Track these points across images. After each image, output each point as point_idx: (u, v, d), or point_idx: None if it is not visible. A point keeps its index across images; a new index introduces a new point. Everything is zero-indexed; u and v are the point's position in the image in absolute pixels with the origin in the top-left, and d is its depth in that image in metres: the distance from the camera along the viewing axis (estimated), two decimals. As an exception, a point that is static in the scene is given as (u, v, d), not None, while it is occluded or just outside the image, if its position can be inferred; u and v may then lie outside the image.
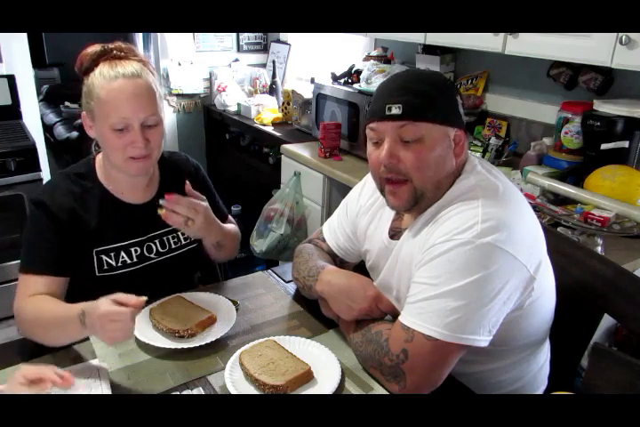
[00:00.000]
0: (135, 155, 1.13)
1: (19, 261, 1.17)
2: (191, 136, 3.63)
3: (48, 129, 3.89)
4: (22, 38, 2.71)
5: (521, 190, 1.58)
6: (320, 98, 2.62)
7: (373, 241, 1.18)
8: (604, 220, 1.48)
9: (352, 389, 0.97)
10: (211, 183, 1.42)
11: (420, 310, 0.92)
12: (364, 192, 1.23)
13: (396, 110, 0.95)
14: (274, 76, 3.35)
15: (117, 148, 1.13)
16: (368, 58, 2.64)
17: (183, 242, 1.33)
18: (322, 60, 3.21)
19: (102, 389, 0.95)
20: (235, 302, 1.21)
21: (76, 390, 0.94)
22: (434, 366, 0.92)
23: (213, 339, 1.07)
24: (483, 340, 0.91)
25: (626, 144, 1.67)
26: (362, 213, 1.21)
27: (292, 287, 1.33)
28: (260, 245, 2.58)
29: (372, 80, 2.39)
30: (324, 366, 1.00)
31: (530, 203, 1.05)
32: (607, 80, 1.82)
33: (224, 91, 3.39)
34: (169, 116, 3.49)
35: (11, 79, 2.66)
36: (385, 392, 0.96)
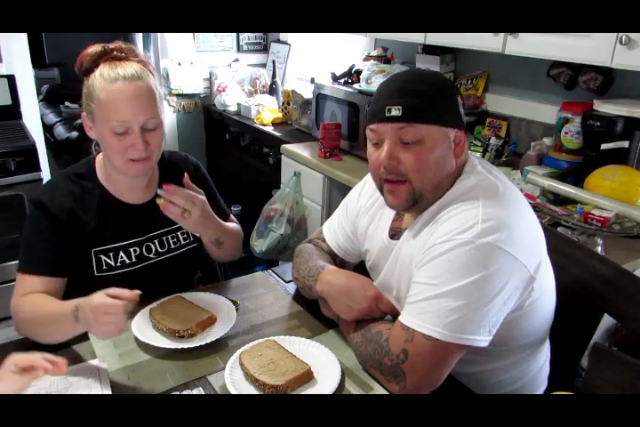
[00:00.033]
0: (135, 157, 1.13)
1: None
2: (191, 136, 3.63)
3: (48, 129, 3.89)
4: (22, 38, 2.71)
5: (521, 190, 1.58)
6: (320, 98, 2.62)
7: (373, 241, 1.18)
8: (604, 220, 1.48)
9: (352, 389, 0.97)
10: (211, 182, 1.42)
11: (420, 310, 0.92)
12: (364, 192, 1.23)
13: (395, 112, 0.95)
14: (274, 76, 3.35)
15: (117, 150, 1.13)
16: (368, 58, 2.64)
17: (182, 242, 1.33)
18: (322, 60, 3.21)
19: (102, 389, 0.95)
20: (235, 302, 1.21)
21: (76, 390, 0.94)
22: (434, 366, 0.92)
23: (213, 339, 1.07)
24: (483, 340, 0.91)
25: (626, 144, 1.67)
26: (362, 213, 1.21)
27: (292, 287, 1.33)
28: (260, 245, 2.58)
29: (372, 80, 2.39)
30: (324, 366, 1.00)
31: (530, 203, 1.05)
32: (607, 80, 1.82)
33: (224, 91, 3.39)
34: (169, 116, 3.49)
35: (11, 79, 2.66)
36: (385, 392, 0.96)
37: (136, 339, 1.08)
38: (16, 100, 2.71)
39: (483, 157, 2.19)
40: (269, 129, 2.96)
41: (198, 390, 0.96)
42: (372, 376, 1.00)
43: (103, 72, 1.10)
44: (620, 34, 1.42)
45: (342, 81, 2.61)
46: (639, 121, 1.64)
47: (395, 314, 1.03)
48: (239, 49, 3.62)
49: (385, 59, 2.59)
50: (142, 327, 1.10)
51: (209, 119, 3.61)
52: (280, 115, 3.09)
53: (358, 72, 2.55)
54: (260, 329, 1.15)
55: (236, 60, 3.60)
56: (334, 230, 1.29)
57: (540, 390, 1.16)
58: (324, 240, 1.30)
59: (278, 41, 3.56)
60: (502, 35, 1.74)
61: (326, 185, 2.38)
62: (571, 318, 1.16)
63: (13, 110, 2.72)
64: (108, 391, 0.94)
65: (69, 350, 1.06)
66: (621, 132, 1.67)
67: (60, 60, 4.76)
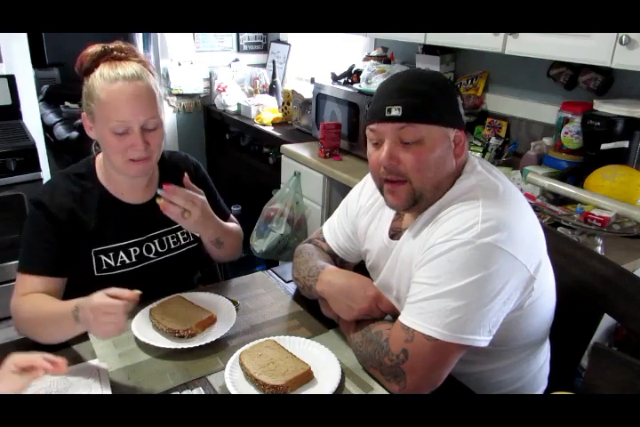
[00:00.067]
0: (135, 157, 1.13)
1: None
2: (191, 136, 3.63)
3: (48, 129, 3.89)
4: (22, 38, 2.71)
5: (521, 190, 1.58)
6: (320, 98, 2.62)
7: (373, 241, 1.18)
8: (604, 220, 1.48)
9: (352, 389, 0.97)
10: (211, 182, 1.42)
11: (420, 310, 0.92)
12: (364, 192, 1.23)
13: (395, 112, 0.95)
14: (274, 76, 3.35)
15: (117, 150, 1.13)
16: (368, 58, 2.64)
17: (182, 242, 1.33)
18: (322, 60, 3.21)
19: (102, 389, 0.95)
20: (235, 302, 1.21)
21: (76, 390, 0.94)
22: (434, 366, 0.92)
23: (213, 339, 1.07)
24: (483, 340, 0.91)
25: (626, 144, 1.67)
26: (362, 213, 1.21)
27: (292, 287, 1.33)
28: (260, 245, 2.58)
29: (372, 80, 2.39)
30: (324, 366, 1.00)
31: (530, 203, 1.05)
32: (607, 80, 1.82)
33: (224, 91, 3.39)
34: (169, 116, 3.49)
35: (11, 79, 2.66)
36: (385, 392, 0.96)
37: (136, 339, 1.08)
38: (16, 100, 2.71)
39: (483, 157, 2.19)
40: (269, 129, 2.96)
41: (198, 390, 0.96)
42: (372, 376, 1.00)
43: (103, 72, 1.10)
44: (620, 34, 1.42)
45: (342, 81, 2.61)
46: (639, 121, 1.64)
47: (395, 314, 1.03)
48: (239, 49, 3.62)
49: (385, 59, 2.59)
50: (142, 327, 1.10)
51: (209, 119, 3.61)
52: (280, 115, 3.09)
53: (358, 72, 2.55)
54: (260, 329, 1.15)
55: (236, 60, 3.60)
56: (334, 230, 1.29)
57: (540, 391, 1.16)
58: (324, 240, 1.30)
59: (278, 41, 3.56)
60: (502, 35, 1.74)
61: (326, 185, 2.38)
62: (571, 318, 1.16)
63: (13, 110, 2.72)
64: (108, 391, 0.94)
65: (69, 350, 1.06)
66: (621, 132, 1.67)
67: (60, 60, 4.76)
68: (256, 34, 3.63)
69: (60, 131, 3.87)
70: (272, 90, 3.34)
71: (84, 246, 1.20)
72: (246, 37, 3.61)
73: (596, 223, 1.49)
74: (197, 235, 1.32)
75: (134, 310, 1.15)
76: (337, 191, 2.37)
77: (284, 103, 3.09)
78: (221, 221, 1.30)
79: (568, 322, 1.16)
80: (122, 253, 1.24)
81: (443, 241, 0.93)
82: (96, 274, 1.22)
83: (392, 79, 1.02)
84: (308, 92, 2.83)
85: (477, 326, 0.90)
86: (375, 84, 2.34)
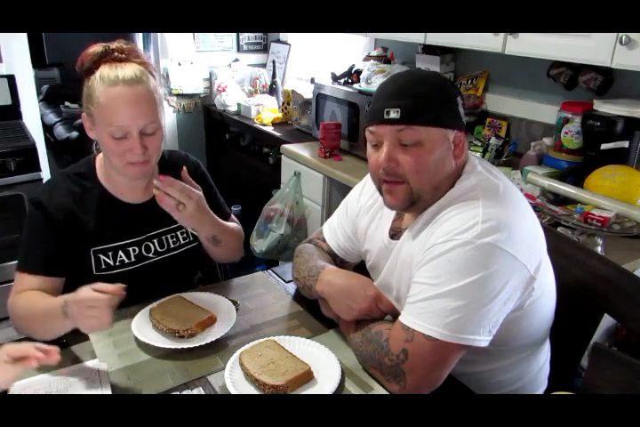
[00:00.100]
0: (133, 161, 1.14)
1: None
2: (191, 136, 3.63)
3: (48, 129, 3.89)
4: (22, 38, 2.71)
5: (521, 190, 1.58)
6: (320, 98, 2.62)
7: (374, 241, 1.18)
8: (604, 220, 1.48)
9: (352, 389, 0.97)
10: (211, 180, 1.42)
11: (420, 310, 0.92)
12: (365, 192, 1.23)
13: (394, 114, 0.95)
14: (274, 76, 3.35)
15: (116, 153, 1.13)
16: (368, 58, 2.64)
17: (182, 242, 1.33)
18: (322, 60, 3.21)
19: (102, 389, 0.95)
20: (235, 302, 1.21)
21: (75, 390, 0.94)
22: (434, 366, 0.92)
23: (213, 339, 1.07)
24: (483, 340, 0.91)
25: (626, 144, 1.67)
26: (362, 213, 1.21)
27: (292, 287, 1.33)
28: (260, 245, 2.58)
29: (372, 80, 2.39)
30: (324, 366, 1.00)
31: (530, 203, 1.05)
32: (607, 80, 1.82)
33: (224, 91, 3.39)
34: (169, 116, 3.49)
35: (11, 79, 2.66)
36: (385, 392, 0.96)
37: (136, 339, 1.08)
38: (16, 100, 2.71)
39: (483, 157, 2.19)
40: (269, 129, 2.96)
41: (198, 390, 0.96)
42: (372, 376, 1.00)
43: (103, 74, 1.10)
44: (620, 34, 1.42)
45: (342, 81, 2.61)
46: (639, 121, 1.64)
47: (395, 314, 1.03)
48: (239, 49, 3.62)
49: (385, 59, 2.59)
50: (142, 327, 1.10)
51: (209, 119, 3.61)
52: (280, 115, 3.09)
53: (358, 72, 2.55)
54: (260, 329, 1.15)
55: (236, 60, 3.60)
56: (334, 230, 1.29)
57: (540, 391, 1.16)
58: (324, 240, 1.30)
59: (278, 41, 3.56)
60: (502, 35, 1.74)
61: (326, 185, 2.38)
62: (571, 318, 1.16)
63: (13, 110, 2.72)
64: (108, 391, 0.94)
65: (69, 350, 1.06)
66: (621, 132, 1.67)
67: (60, 60, 4.76)
68: (256, 34, 3.63)
69: (60, 131, 3.87)
70: (272, 90, 3.34)
71: (82, 246, 1.20)
72: (246, 37, 3.61)
73: (596, 223, 1.49)
74: (194, 232, 1.31)
75: (134, 310, 1.16)
76: (337, 191, 2.37)
77: (283, 103, 3.09)
78: (219, 220, 1.30)
79: (568, 322, 1.15)
80: (121, 253, 1.24)
81: (443, 241, 0.93)
82: (95, 273, 1.22)
83: (391, 80, 1.02)
84: (308, 92, 2.83)
85: (477, 326, 0.90)
86: (375, 84, 2.34)
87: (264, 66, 3.63)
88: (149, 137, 1.13)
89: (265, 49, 3.70)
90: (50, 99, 4.40)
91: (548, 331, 1.12)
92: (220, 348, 1.08)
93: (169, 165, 1.33)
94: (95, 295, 0.93)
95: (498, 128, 2.24)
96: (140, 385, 0.97)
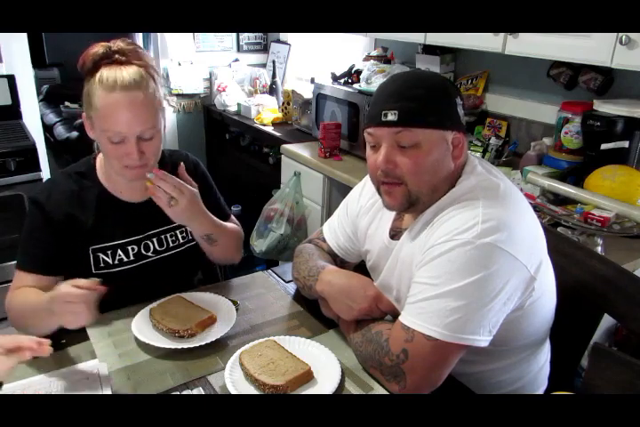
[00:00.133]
0: (130, 164, 1.14)
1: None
2: (191, 136, 3.63)
3: (48, 129, 3.89)
4: (22, 38, 2.72)
5: (521, 190, 1.58)
6: (320, 98, 2.62)
7: (374, 241, 1.18)
8: (604, 220, 1.48)
9: (352, 389, 0.97)
10: (211, 180, 1.41)
11: (420, 310, 0.92)
12: (365, 192, 1.23)
13: (391, 117, 0.95)
14: (274, 76, 3.35)
15: (113, 156, 1.14)
16: (368, 58, 2.64)
17: (181, 241, 1.33)
18: (322, 60, 3.21)
19: (102, 389, 0.95)
20: (235, 302, 1.21)
21: (75, 390, 0.94)
22: (434, 366, 0.92)
23: (213, 339, 1.07)
24: (483, 340, 0.91)
25: (626, 144, 1.67)
26: (362, 213, 1.21)
27: (292, 287, 1.33)
28: (260, 245, 2.58)
29: (372, 80, 2.39)
30: (324, 366, 1.00)
31: (530, 203, 1.05)
32: (607, 80, 1.82)
33: (224, 91, 3.39)
34: (169, 116, 3.49)
35: (11, 79, 2.66)
36: (385, 392, 0.96)
37: (136, 339, 1.08)
38: (16, 100, 2.71)
39: (483, 157, 2.19)
40: (269, 129, 2.97)
41: (198, 390, 0.96)
42: (372, 376, 1.00)
43: (102, 78, 1.09)
44: (620, 34, 1.42)
45: (342, 81, 2.61)
46: (639, 121, 1.64)
47: (395, 314, 1.03)
48: (239, 49, 3.62)
49: (385, 59, 2.59)
50: (142, 327, 1.10)
51: (209, 119, 3.61)
52: (280, 115, 3.09)
53: (358, 72, 2.55)
54: (260, 329, 1.15)
55: (236, 60, 3.60)
56: (334, 230, 1.29)
57: (540, 391, 1.16)
58: (324, 240, 1.30)
59: (278, 41, 3.56)
60: (502, 35, 1.74)
61: (326, 185, 2.38)
62: (571, 318, 1.16)
63: (13, 110, 2.72)
64: (108, 391, 0.94)
65: (69, 350, 1.06)
66: (621, 132, 1.67)
67: (60, 60, 4.76)
68: (256, 34, 3.63)
69: (60, 131, 3.87)
70: (272, 90, 3.34)
71: (81, 244, 1.21)
72: (246, 37, 3.61)
73: (596, 223, 1.49)
74: (189, 229, 1.31)
75: (134, 310, 1.16)
76: (337, 191, 2.37)
77: (283, 103, 3.09)
78: (216, 219, 1.29)
79: (568, 322, 1.15)
80: (120, 252, 1.24)
81: (443, 241, 0.93)
82: (94, 272, 1.22)
83: (389, 82, 1.02)
84: (308, 92, 2.83)
85: (477, 326, 0.90)
86: (375, 84, 2.34)
87: (264, 66, 3.63)
88: (147, 142, 1.13)
89: (265, 49, 3.70)
90: (50, 99, 4.40)
91: (548, 331, 1.12)
92: (219, 348, 1.08)
93: (169, 165, 1.33)
94: (72, 291, 0.94)
95: (498, 128, 2.24)
96: (140, 385, 0.97)
